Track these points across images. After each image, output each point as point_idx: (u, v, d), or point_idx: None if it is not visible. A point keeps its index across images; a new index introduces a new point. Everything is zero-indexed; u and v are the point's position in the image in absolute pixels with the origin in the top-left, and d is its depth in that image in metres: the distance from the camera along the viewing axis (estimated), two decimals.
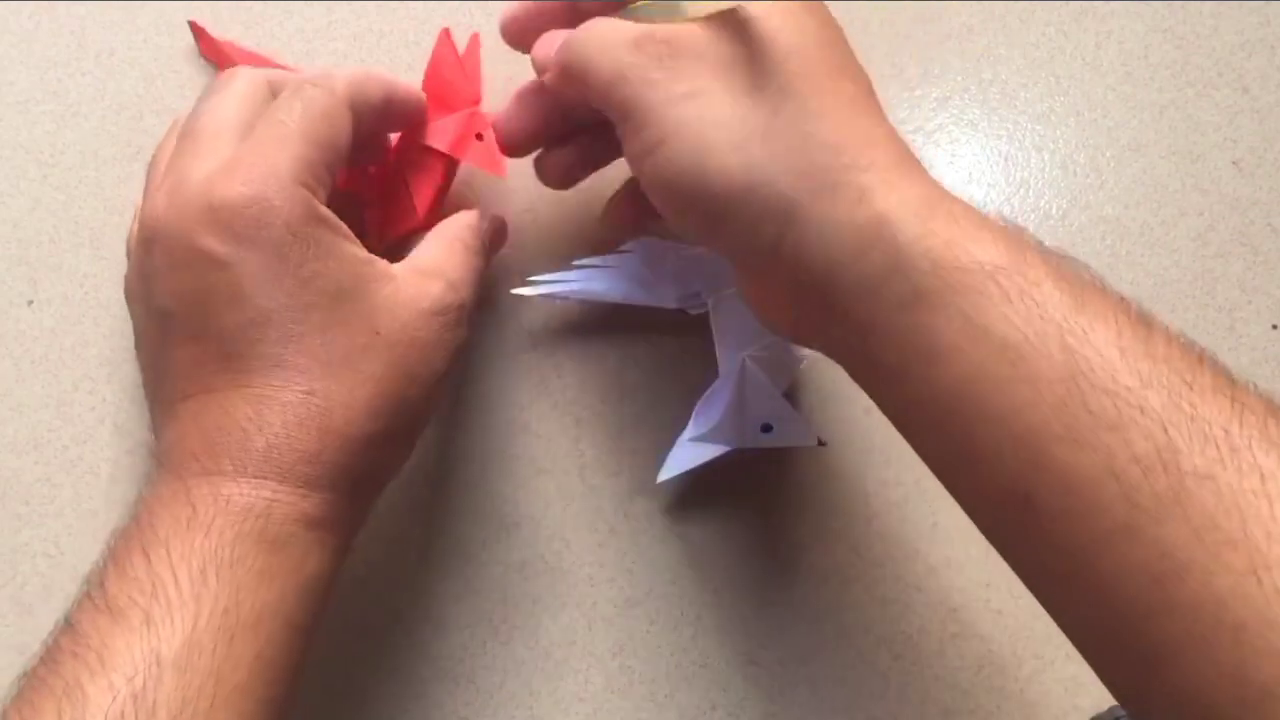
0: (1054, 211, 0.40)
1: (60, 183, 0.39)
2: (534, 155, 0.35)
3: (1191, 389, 0.22)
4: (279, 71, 0.32)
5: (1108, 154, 0.40)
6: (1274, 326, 0.39)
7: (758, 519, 0.37)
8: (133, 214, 0.34)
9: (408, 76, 0.37)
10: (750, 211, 0.26)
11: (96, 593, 0.25)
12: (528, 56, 0.33)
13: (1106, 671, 0.24)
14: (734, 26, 0.27)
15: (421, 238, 0.33)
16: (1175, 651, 0.21)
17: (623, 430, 0.37)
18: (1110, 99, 0.41)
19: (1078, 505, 0.22)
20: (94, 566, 0.26)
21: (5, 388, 0.37)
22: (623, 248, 0.37)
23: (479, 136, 0.35)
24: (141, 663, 0.23)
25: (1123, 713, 0.33)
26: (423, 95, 0.34)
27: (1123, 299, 0.24)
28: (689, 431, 0.35)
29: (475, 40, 0.38)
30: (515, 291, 0.37)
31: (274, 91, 0.31)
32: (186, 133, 0.30)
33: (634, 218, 0.36)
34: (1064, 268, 0.24)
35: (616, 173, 0.36)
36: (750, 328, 0.34)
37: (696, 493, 0.37)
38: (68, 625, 0.25)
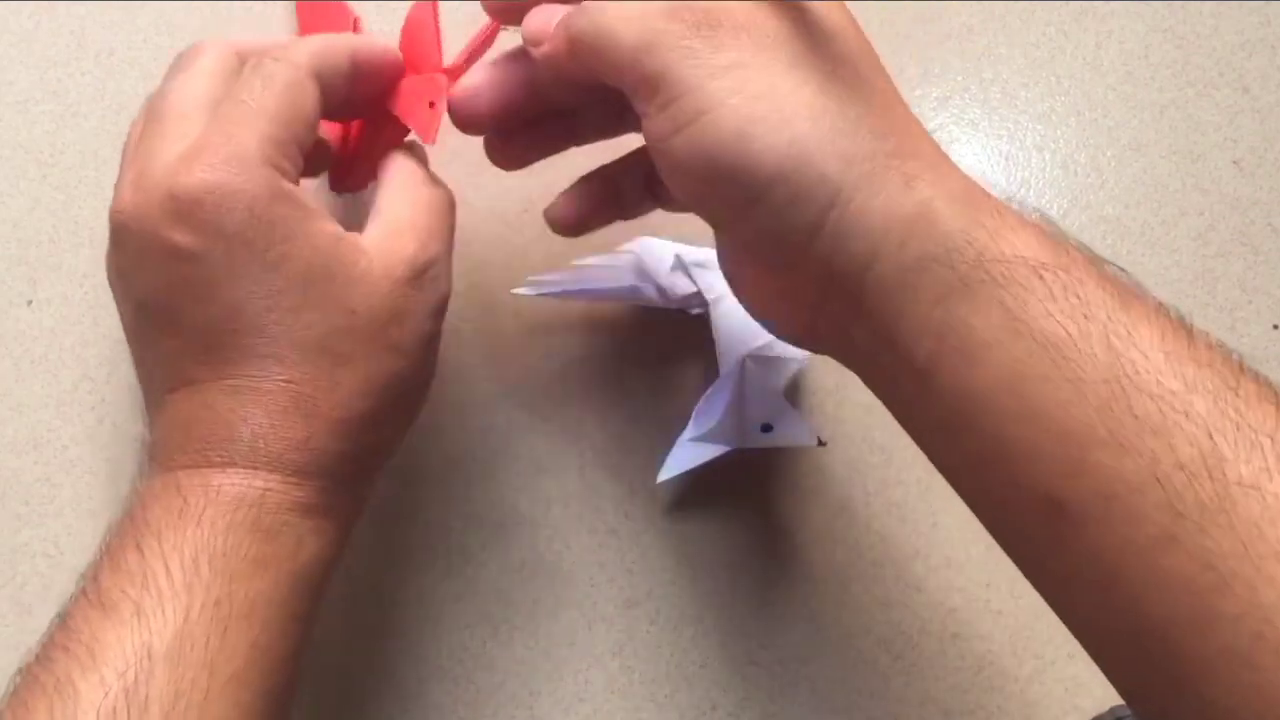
0: (1054, 211, 0.40)
1: (60, 183, 0.39)
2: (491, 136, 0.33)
3: (1237, 395, 0.21)
4: (248, 42, 0.31)
5: (1108, 154, 0.40)
6: (1275, 326, 0.39)
7: (758, 519, 0.37)
8: None
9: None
10: (791, 192, 0.24)
11: (90, 587, 0.25)
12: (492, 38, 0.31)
13: (1130, 685, 0.23)
14: (776, 3, 0.26)
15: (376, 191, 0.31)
16: (1211, 667, 0.20)
17: (623, 430, 0.37)
18: (1110, 99, 0.41)
19: (1117, 512, 0.21)
20: (90, 562, 0.26)
21: (5, 388, 0.37)
22: (623, 248, 0.37)
23: (431, 104, 0.33)
24: (133, 656, 0.23)
25: (1124, 713, 0.33)
26: (395, 51, 0.33)
27: (1161, 304, 0.23)
28: (689, 431, 0.35)
29: (435, 8, 0.35)
30: (515, 291, 0.37)
31: (243, 63, 0.30)
32: (152, 113, 0.29)
33: (584, 213, 0.33)
34: (1105, 268, 0.23)
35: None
36: (750, 328, 0.34)
37: (696, 493, 0.37)
38: (61, 621, 0.25)
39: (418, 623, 0.36)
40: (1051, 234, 0.24)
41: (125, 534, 0.26)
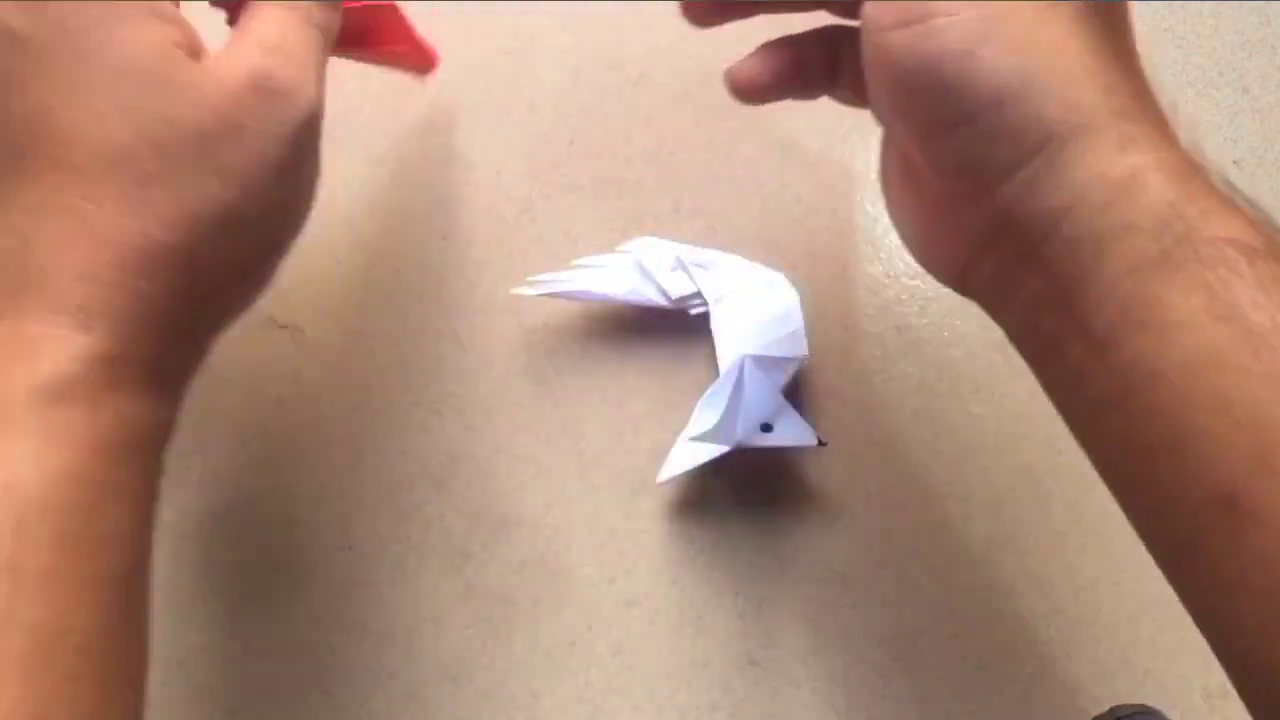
0: None
1: None
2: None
3: None
4: None
5: None
6: None
7: (758, 519, 0.37)
8: None
9: (404, 75, 0.37)
10: (1001, 124, 0.23)
11: None
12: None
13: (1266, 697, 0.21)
14: None
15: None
16: None
17: (623, 430, 0.37)
18: None
19: None
20: None
21: None
22: (623, 248, 0.37)
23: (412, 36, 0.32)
24: None
25: (1124, 713, 0.33)
26: None
27: None
28: (689, 431, 0.35)
29: None
30: (515, 291, 0.37)
31: None
32: None
33: (769, 81, 0.30)
34: None
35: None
36: (750, 328, 0.34)
37: (696, 493, 0.37)
38: None
39: (418, 623, 0.36)
40: (1266, 224, 0.22)
41: None
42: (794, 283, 0.37)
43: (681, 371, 0.37)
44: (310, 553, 0.36)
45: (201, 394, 0.37)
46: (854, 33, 0.25)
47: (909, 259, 0.32)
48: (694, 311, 0.36)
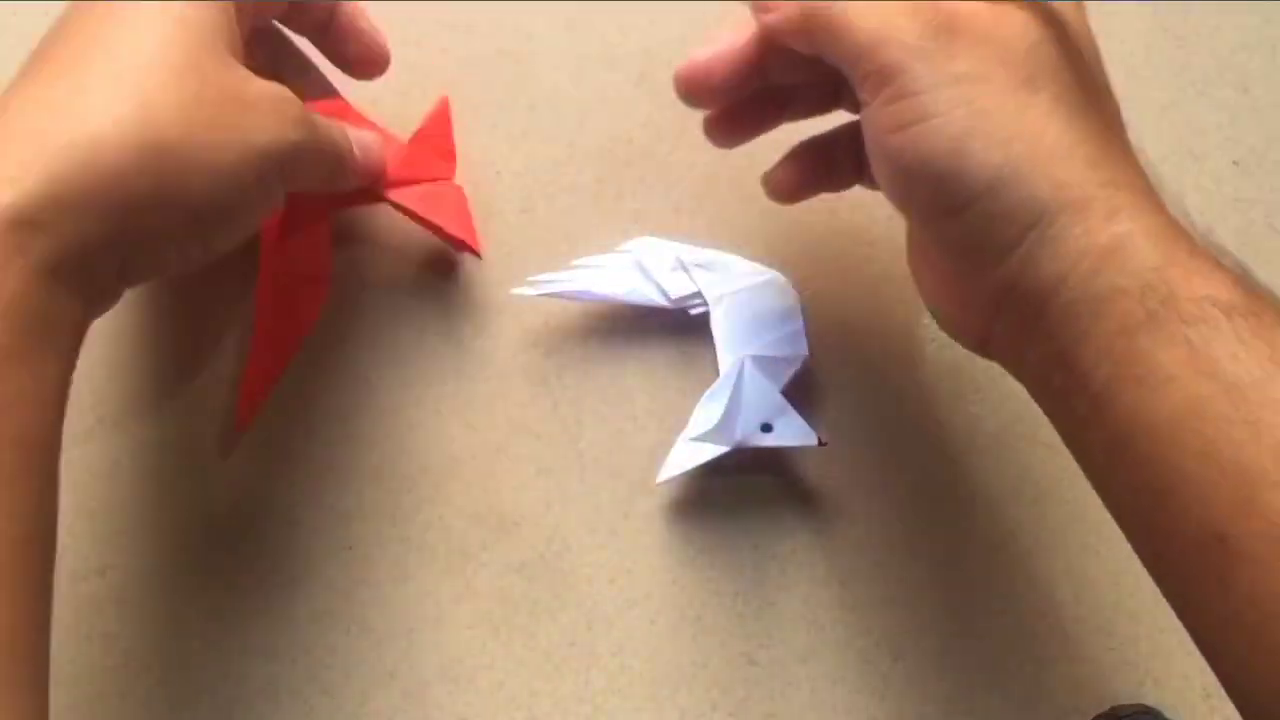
0: None
1: None
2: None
3: None
4: None
5: None
6: None
7: (758, 519, 0.37)
8: None
9: (404, 74, 0.37)
10: (996, 208, 0.25)
11: None
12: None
13: None
14: (1013, 18, 0.26)
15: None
16: None
17: (623, 430, 0.37)
18: None
19: None
20: None
21: None
22: (623, 248, 0.37)
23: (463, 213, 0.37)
24: None
25: (1125, 713, 0.33)
26: None
27: None
28: (689, 431, 0.35)
29: (445, 104, 0.37)
30: (515, 291, 0.37)
31: None
32: None
33: (801, 183, 0.34)
34: None
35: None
36: (750, 328, 0.34)
37: (696, 493, 0.37)
38: None
39: (418, 623, 0.36)
40: (1245, 279, 0.24)
41: None
42: (794, 283, 0.37)
43: (681, 371, 0.37)
44: (310, 553, 0.36)
45: (201, 394, 0.37)
46: None
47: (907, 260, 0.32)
48: (694, 311, 0.36)
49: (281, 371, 0.36)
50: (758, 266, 0.37)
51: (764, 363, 0.35)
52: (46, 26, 0.41)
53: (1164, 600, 0.25)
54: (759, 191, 0.34)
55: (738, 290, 0.36)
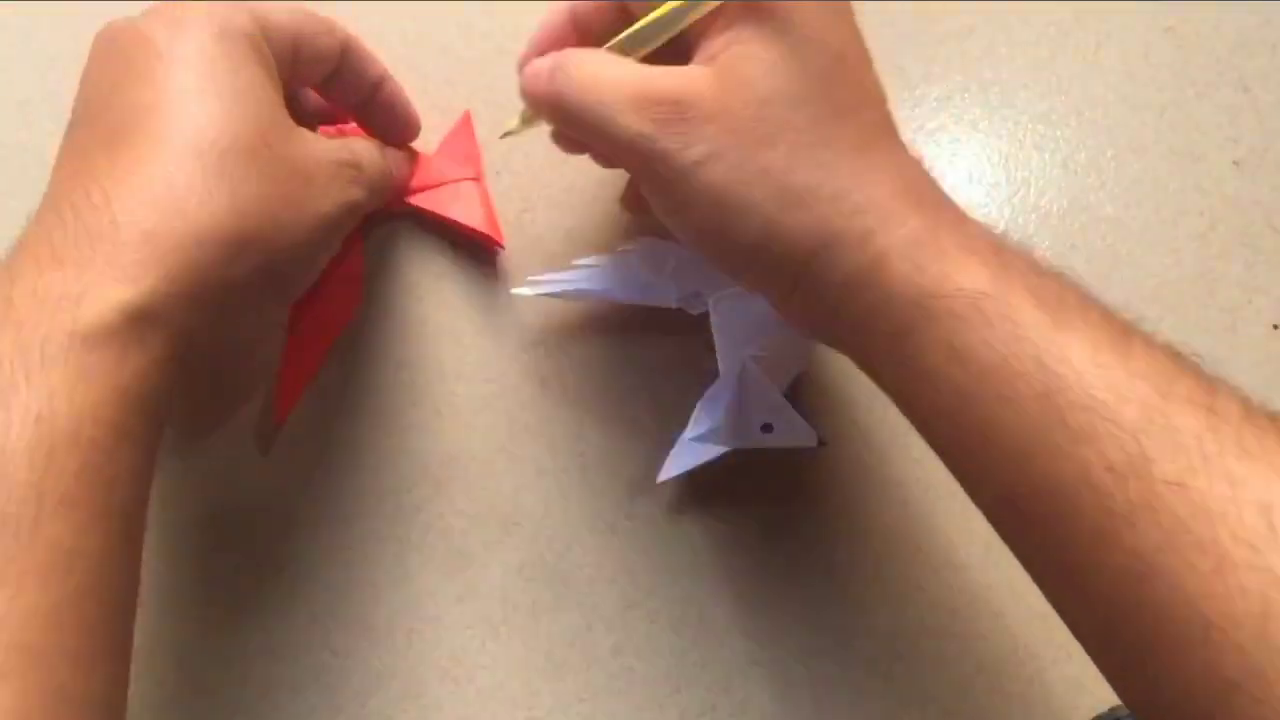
0: (1054, 211, 0.40)
1: None
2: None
3: (1166, 400, 0.23)
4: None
5: (1108, 154, 0.40)
6: (1275, 326, 0.39)
7: (758, 519, 0.37)
8: None
9: (404, 75, 0.37)
10: (769, 263, 0.28)
11: None
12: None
13: (1102, 667, 0.25)
14: (737, 79, 0.27)
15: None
16: (1152, 650, 0.22)
17: (623, 430, 0.37)
18: (1110, 99, 0.41)
19: (1057, 511, 0.24)
20: None
21: None
22: (623, 248, 0.37)
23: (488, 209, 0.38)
24: None
25: (1124, 713, 0.33)
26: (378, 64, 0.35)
27: (1106, 313, 0.25)
28: (689, 431, 0.35)
29: (467, 118, 0.39)
30: (515, 291, 0.37)
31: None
32: None
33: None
34: (1047, 288, 0.25)
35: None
36: (750, 328, 0.34)
37: (696, 493, 0.37)
38: None
39: (418, 623, 0.36)
40: (997, 261, 0.26)
41: None
42: None
43: (681, 371, 0.37)
44: (310, 553, 0.36)
45: None
46: None
47: None
48: (694, 311, 0.36)
49: (317, 369, 0.36)
50: None
51: (764, 363, 0.35)
52: (46, 26, 0.41)
53: None
54: None
55: (738, 290, 0.36)
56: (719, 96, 0.27)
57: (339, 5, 0.41)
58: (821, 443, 0.35)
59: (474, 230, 0.37)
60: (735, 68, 0.27)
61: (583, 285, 0.36)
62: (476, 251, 0.39)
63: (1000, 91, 0.41)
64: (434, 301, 0.38)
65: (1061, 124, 0.41)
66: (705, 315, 0.36)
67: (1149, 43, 0.42)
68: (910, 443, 0.37)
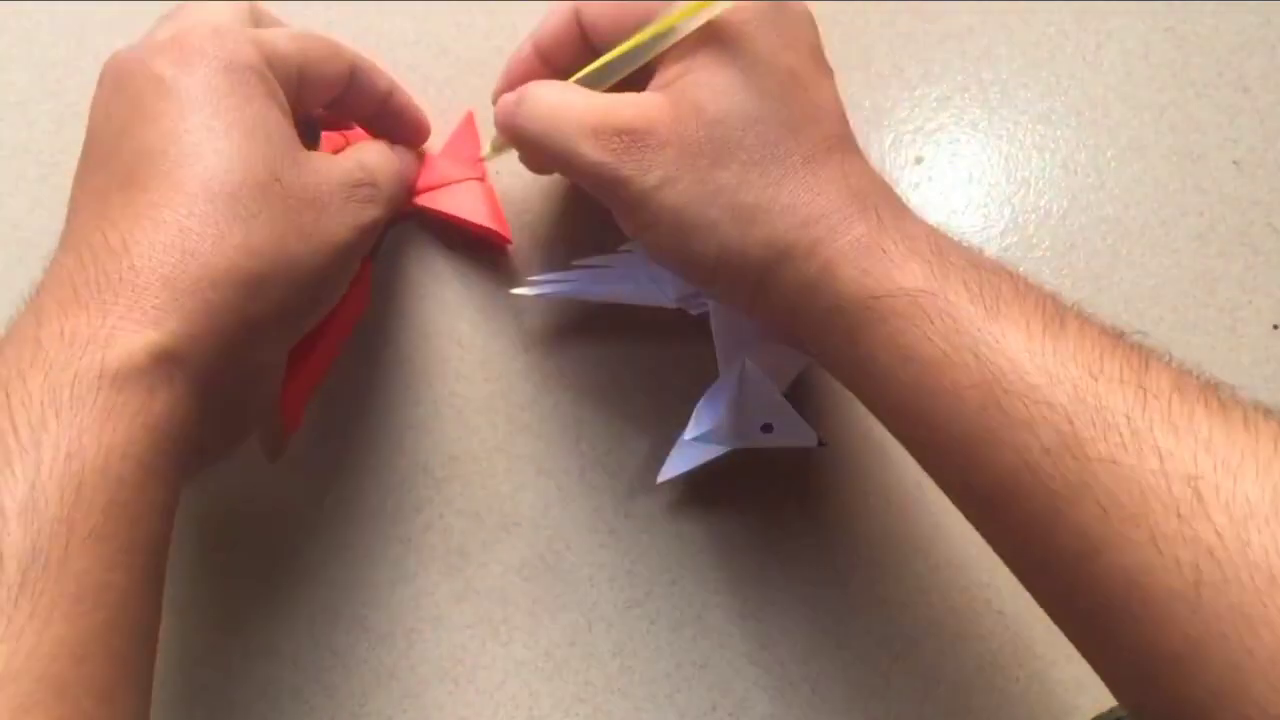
0: (1054, 211, 0.40)
1: (60, 183, 0.39)
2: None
3: (1097, 381, 0.24)
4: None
5: (1108, 154, 0.40)
6: (1275, 326, 0.39)
7: (758, 519, 0.37)
8: None
9: (404, 75, 0.37)
10: (731, 276, 0.29)
11: None
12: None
13: (1072, 640, 0.26)
14: (690, 104, 0.28)
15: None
16: (1098, 624, 0.23)
17: (623, 430, 0.37)
18: (1110, 99, 0.41)
19: (1006, 496, 0.25)
20: None
21: None
22: (623, 248, 0.37)
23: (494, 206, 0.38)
24: None
25: (1124, 713, 0.33)
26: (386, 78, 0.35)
27: (1041, 298, 0.26)
28: (689, 431, 0.35)
29: (470, 118, 0.39)
30: (515, 291, 0.37)
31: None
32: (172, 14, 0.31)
33: None
34: (984, 280, 0.26)
35: None
36: (750, 328, 0.34)
37: (696, 493, 0.37)
38: None
39: (418, 623, 0.36)
40: (936, 260, 0.27)
41: None
42: None
43: (681, 371, 0.37)
44: (310, 553, 0.36)
45: None
46: None
47: None
48: (694, 311, 0.36)
49: (326, 371, 0.36)
50: None
51: (764, 363, 0.35)
52: (46, 26, 0.41)
53: None
54: None
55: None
56: (673, 123, 0.29)
57: (339, 5, 0.42)
58: (821, 443, 0.35)
59: (482, 227, 0.37)
60: (688, 93, 0.29)
61: (583, 285, 0.36)
62: (476, 252, 0.39)
63: (1000, 91, 0.41)
64: (434, 302, 0.38)
65: (1061, 124, 0.41)
66: (705, 315, 0.36)
67: (1149, 43, 0.42)
68: None
